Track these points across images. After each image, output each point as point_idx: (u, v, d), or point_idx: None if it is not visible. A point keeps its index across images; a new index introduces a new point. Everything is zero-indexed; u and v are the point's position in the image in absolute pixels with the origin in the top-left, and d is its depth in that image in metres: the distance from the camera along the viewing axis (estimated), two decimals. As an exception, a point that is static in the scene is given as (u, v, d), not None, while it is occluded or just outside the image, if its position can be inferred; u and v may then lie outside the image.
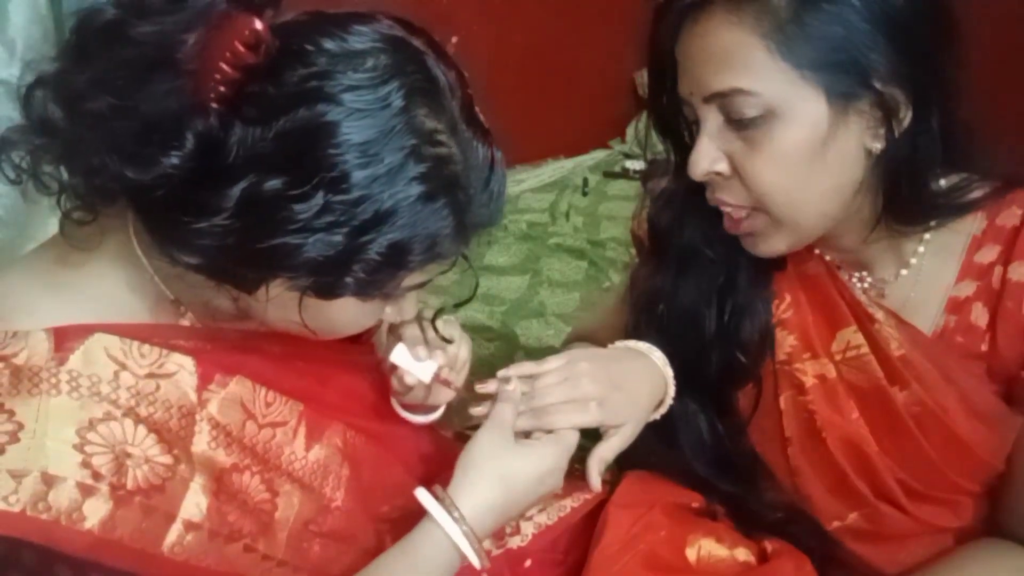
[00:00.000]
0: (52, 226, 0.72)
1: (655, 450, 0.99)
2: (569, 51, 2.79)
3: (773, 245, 0.87)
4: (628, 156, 2.96)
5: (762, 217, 0.84)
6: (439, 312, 0.88)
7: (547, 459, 0.81)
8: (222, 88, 0.60)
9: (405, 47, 0.66)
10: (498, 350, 1.94)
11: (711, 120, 0.82)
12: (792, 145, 0.79)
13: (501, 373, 0.87)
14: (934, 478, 0.93)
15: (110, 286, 0.70)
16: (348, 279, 0.65)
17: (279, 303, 0.68)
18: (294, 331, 0.72)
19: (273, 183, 0.60)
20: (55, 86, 0.62)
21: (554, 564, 0.98)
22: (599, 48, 2.84)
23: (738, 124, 0.80)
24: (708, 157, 0.82)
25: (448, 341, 0.87)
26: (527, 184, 2.79)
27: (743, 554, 0.97)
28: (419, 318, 0.87)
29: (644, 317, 1.01)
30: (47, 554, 0.62)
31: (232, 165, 0.60)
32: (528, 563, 0.95)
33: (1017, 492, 0.93)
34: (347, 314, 0.71)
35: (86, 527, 0.63)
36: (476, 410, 0.86)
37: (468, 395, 0.88)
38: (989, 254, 0.88)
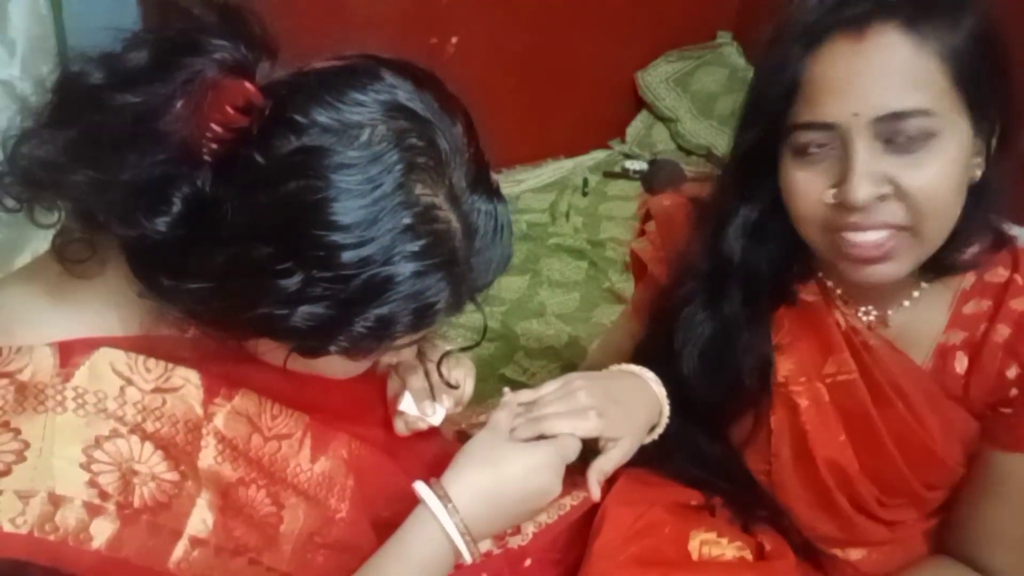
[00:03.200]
0: (52, 227, 0.71)
1: (653, 455, 1.00)
2: (569, 51, 2.79)
3: (901, 268, 0.85)
4: (628, 156, 2.96)
5: (905, 238, 0.82)
6: (445, 356, 0.86)
7: (538, 453, 0.80)
8: (213, 145, 0.58)
9: (405, 116, 0.63)
10: (498, 350, 1.94)
11: (867, 141, 0.79)
12: (950, 163, 0.79)
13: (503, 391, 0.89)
14: (903, 488, 0.99)
15: (112, 300, 0.69)
16: (332, 347, 0.64)
17: (268, 351, 0.68)
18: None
19: (259, 252, 0.59)
20: (37, 148, 0.60)
21: (553, 563, 0.98)
22: (599, 48, 2.84)
23: (901, 146, 0.78)
24: (872, 180, 0.79)
25: (454, 387, 0.86)
26: (527, 184, 2.79)
27: (741, 549, 1.00)
28: (424, 367, 0.87)
29: (669, 343, 1.01)
30: (53, 574, 0.61)
31: (219, 230, 0.59)
32: (528, 562, 0.95)
33: (963, 515, 1.00)
34: (336, 367, 0.71)
35: (93, 547, 0.62)
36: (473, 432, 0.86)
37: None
38: (977, 307, 0.92)
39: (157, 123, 0.57)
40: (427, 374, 0.87)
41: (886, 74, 0.77)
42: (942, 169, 0.79)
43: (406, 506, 0.82)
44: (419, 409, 0.85)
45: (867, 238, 0.82)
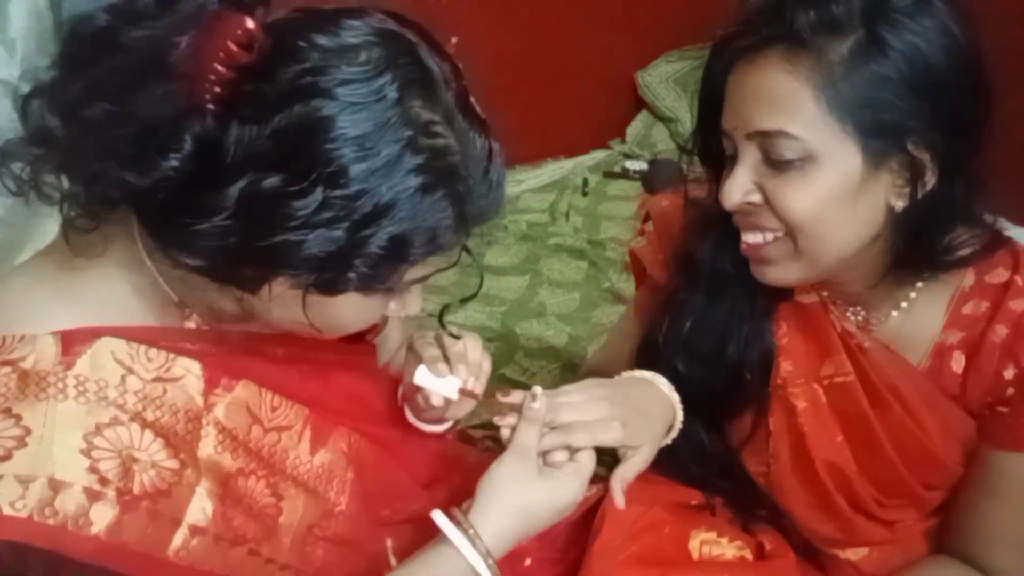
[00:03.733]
0: (52, 227, 0.72)
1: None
2: (569, 51, 2.79)
3: (785, 275, 0.91)
4: (628, 156, 2.96)
5: (787, 245, 0.87)
6: (445, 308, 0.88)
7: (568, 493, 0.79)
8: (217, 89, 0.60)
9: (398, 40, 0.66)
10: (498, 350, 1.94)
11: (749, 155, 0.85)
12: (824, 188, 0.83)
13: (532, 391, 0.84)
14: (902, 488, 0.99)
15: (115, 290, 0.70)
16: (350, 274, 0.65)
17: (282, 302, 0.68)
18: (298, 330, 0.72)
19: (271, 181, 0.60)
20: (51, 95, 0.62)
21: (553, 562, 0.98)
22: (599, 48, 2.84)
23: (775, 163, 0.83)
24: (742, 188, 0.86)
25: (456, 337, 0.87)
26: (527, 184, 2.79)
27: (741, 548, 1.00)
28: (437, 337, 0.87)
29: (668, 334, 1.03)
30: (53, 560, 0.62)
31: (230, 165, 0.60)
32: (528, 562, 0.95)
33: (962, 515, 1.01)
34: (351, 310, 0.70)
35: (92, 532, 0.63)
36: (501, 421, 0.83)
37: (485, 402, 0.87)
38: (976, 308, 0.92)
39: (165, 58, 0.59)
40: (439, 340, 0.87)
41: (758, 96, 0.83)
42: (813, 192, 0.83)
43: (406, 505, 0.82)
44: (433, 379, 0.83)
45: (748, 239, 0.90)
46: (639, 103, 3.06)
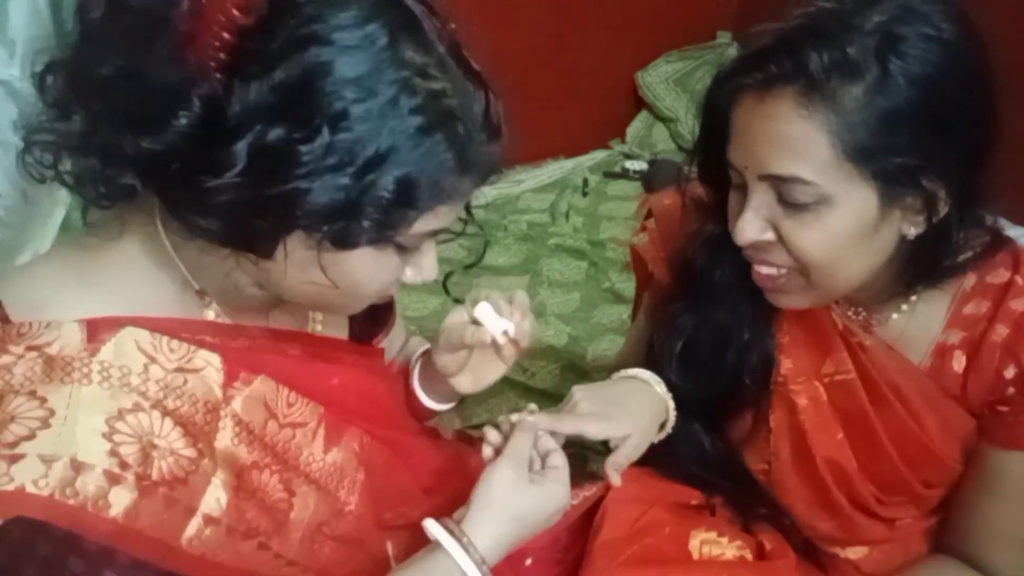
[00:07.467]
0: (52, 226, 0.73)
1: (653, 452, 1.01)
2: (569, 51, 2.79)
3: (799, 302, 0.92)
4: (628, 156, 2.96)
5: (798, 280, 0.88)
6: (449, 275, 0.89)
7: (557, 499, 0.81)
8: (221, 54, 0.61)
9: None
10: (498, 350, 1.94)
11: (760, 194, 0.84)
12: (839, 229, 0.82)
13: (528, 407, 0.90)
14: (902, 486, 1.00)
15: (136, 279, 0.72)
16: (362, 222, 0.65)
17: (298, 263, 0.68)
18: (316, 299, 0.73)
19: (277, 131, 0.61)
20: (65, 66, 0.64)
21: (553, 563, 0.98)
22: (599, 48, 2.84)
23: (789, 204, 0.82)
24: (755, 227, 0.85)
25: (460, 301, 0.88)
26: (527, 184, 2.79)
27: (741, 548, 1.01)
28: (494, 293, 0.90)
29: (662, 348, 1.04)
30: (63, 545, 0.62)
31: (237, 121, 0.62)
32: (528, 562, 0.95)
33: (962, 514, 1.01)
34: (366, 267, 0.70)
35: (111, 515, 0.63)
36: (487, 441, 0.86)
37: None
38: (977, 308, 0.92)
39: (168, 17, 0.60)
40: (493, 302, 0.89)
41: (770, 139, 0.81)
42: (828, 234, 0.82)
43: (408, 510, 0.82)
44: (494, 314, 0.86)
45: (760, 270, 0.89)
46: (639, 103, 3.07)
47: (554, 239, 2.46)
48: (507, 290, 0.92)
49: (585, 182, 2.79)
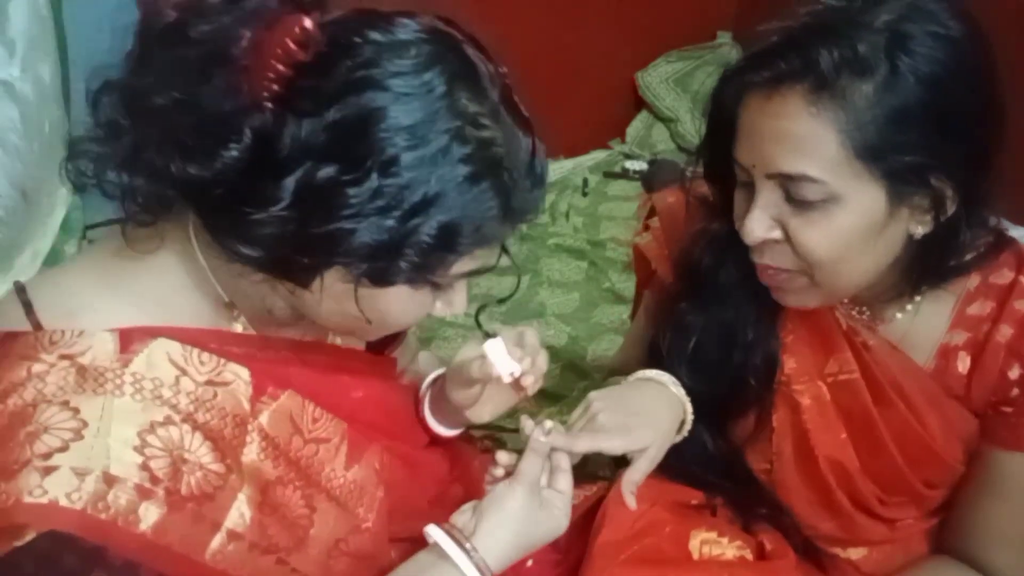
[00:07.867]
0: (52, 226, 0.73)
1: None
2: (569, 51, 2.78)
3: (804, 301, 0.91)
4: (628, 156, 2.96)
5: (803, 279, 0.87)
6: (481, 309, 0.93)
7: (561, 523, 0.82)
8: (275, 86, 0.61)
9: (446, 38, 0.68)
10: (498, 350, 1.94)
11: (768, 192, 0.83)
12: (847, 228, 0.82)
13: (542, 423, 0.86)
14: (904, 486, 1.00)
15: (168, 288, 0.72)
16: (401, 263, 0.66)
17: (333, 295, 0.69)
18: (346, 328, 0.74)
19: (327, 171, 0.62)
20: (121, 89, 0.64)
21: (554, 563, 0.98)
22: (599, 48, 2.84)
23: (797, 203, 0.82)
24: (763, 226, 0.85)
25: (491, 335, 0.88)
26: (527, 184, 2.79)
27: (742, 548, 1.00)
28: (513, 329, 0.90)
29: (671, 349, 1.03)
30: (88, 559, 0.62)
31: (287, 157, 0.62)
32: (529, 563, 0.95)
33: (963, 514, 1.01)
34: (399, 304, 0.71)
35: (140, 529, 0.63)
36: (491, 474, 0.85)
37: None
38: (981, 308, 0.92)
39: (228, 51, 0.61)
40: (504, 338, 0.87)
41: (778, 138, 0.80)
42: (836, 232, 0.82)
43: (414, 523, 0.82)
44: (504, 354, 0.85)
45: (769, 272, 0.89)
46: (639, 103, 3.06)
47: (554, 239, 2.46)
48: (513, 297, 0.91)
49: (585, 182, 2.79)
